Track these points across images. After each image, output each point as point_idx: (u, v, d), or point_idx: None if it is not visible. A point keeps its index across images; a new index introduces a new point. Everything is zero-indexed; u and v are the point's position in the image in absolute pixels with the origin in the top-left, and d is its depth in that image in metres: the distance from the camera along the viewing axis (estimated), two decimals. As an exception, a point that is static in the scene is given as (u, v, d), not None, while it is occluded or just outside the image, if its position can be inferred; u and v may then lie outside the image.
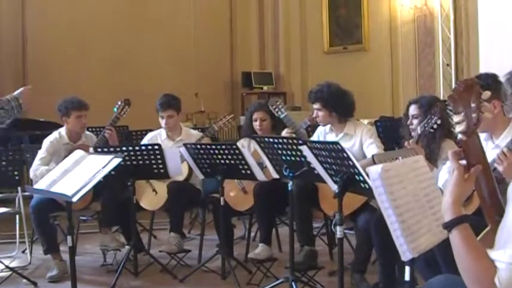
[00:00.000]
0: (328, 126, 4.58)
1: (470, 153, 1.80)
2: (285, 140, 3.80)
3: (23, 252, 5.25)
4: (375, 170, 2.04)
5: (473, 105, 1.75)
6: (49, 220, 4.74)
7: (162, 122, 5.16)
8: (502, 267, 1.64)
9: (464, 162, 1.80)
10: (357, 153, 4.27)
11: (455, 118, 1.77)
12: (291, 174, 3.77)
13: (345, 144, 3.55)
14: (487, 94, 1.77)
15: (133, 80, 9.35)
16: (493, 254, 1.68)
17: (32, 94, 4.09)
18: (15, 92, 4.01)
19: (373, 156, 3.91)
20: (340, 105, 4.47)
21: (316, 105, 4.48)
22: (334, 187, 3.35)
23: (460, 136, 1.78)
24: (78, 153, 3.57)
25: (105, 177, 3.32)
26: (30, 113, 8.61)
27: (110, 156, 3.40)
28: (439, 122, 3.79)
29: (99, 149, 4.48)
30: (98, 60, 9.51)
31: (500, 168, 2.69)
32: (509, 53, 6.32)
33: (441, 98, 7.83)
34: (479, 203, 1.88)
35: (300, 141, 3.65)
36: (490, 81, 3.09)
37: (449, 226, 1.76)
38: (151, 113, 5.40)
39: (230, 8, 11.02)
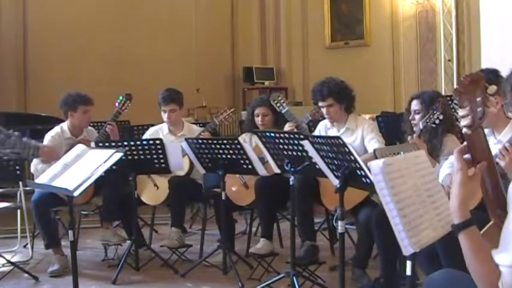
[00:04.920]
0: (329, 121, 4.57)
1: (475, 148, 1.79)
2: (286, 135, 3.79)
3: (25, 247, 5.25)
4: (376, 165, 2.03)
5: (478, 99, 1.73)
6: (50, 215, 4.75)
7: (164, 116, 5.15)
8: (505, 271, 1.67)
9: (468, 156, 1.80)
10: (358, 148, 4.26)
11: (461, 112, 1.76)
12: (292, 169, 3.76)
13: (347, 139, 3.54)
14: (493, 88, 1.76)
15: (135, 75, 9.33)
16: (497, 257, 1.70)
17: (52, 155, 3.92)
18: (34, 142, 3.80)
19: (374, 150, 3.91)
20: (347, 98, 4.47)
21: (328, 101, 4.39)
22: (336, 182, 3.35)
23: (464, 130, 1.77)
24: (79, 147, 3.56)
25: (106, 171, 3.31)
26: (31, 107, 8.70)
27: (111, 151, 3.39)
28: (441, 117, 3.77)
29: (101, 144, 4.48)
30: (98, 55, 9.49)
31: (502, 164, 2.68)
32: (510, 49, 6.31)
33: (443, 93, 7.81)
34: (483, 196, 1.87)
35: (302, 136, 3.64)
36: (491, 77, 3.08)
37: (456, 229, 1.78)
38: (153, 108, 5.41)
39: (231, 3, 10.99)
